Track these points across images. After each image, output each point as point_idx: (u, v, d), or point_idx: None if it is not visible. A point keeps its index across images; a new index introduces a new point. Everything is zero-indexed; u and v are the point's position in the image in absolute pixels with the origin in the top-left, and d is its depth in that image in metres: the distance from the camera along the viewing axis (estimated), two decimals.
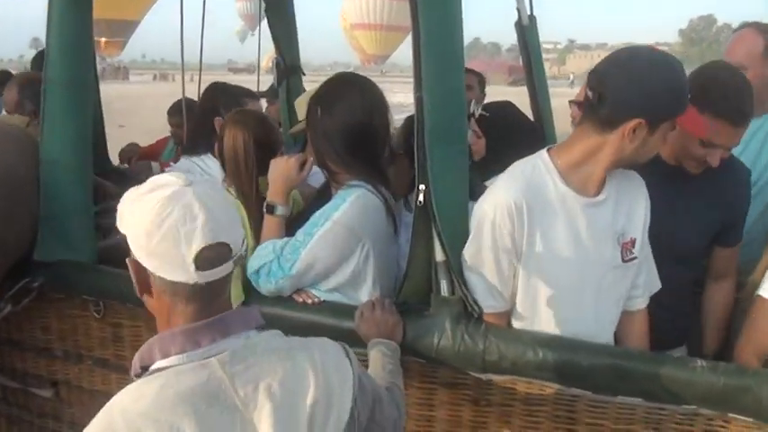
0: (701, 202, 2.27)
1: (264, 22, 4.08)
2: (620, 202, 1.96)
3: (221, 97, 3.13)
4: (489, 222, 1.89)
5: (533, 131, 3.21)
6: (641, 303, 2.12)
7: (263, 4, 4.04)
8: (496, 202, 1.89)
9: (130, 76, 62.30)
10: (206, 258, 1.23)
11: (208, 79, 3.87)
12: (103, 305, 2.45)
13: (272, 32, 4.03)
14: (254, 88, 4.01)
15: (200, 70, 4.12)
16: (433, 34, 1.96)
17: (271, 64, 4.34)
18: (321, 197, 2.35)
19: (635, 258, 1.99)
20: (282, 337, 1.37)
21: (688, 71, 2.21)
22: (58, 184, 2.54)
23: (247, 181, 2.33)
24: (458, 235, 1.97)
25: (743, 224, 2.41)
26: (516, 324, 1.98)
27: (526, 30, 3.23)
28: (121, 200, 1.32)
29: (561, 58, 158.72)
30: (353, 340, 1.82)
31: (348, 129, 2.15)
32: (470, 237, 1.95)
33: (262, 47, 4.65)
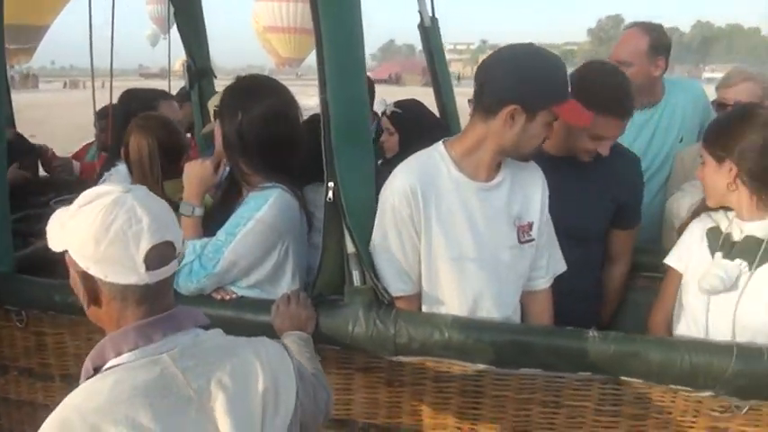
0: (595, 189, 2.46)
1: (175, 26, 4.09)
2: (515, 188, 2.11)
3: (134, 102, 3.18)
4: (389, 208, 2.04)
5: (441, 128, 3.36)
6: (544, 284, 2.28)
7: (172, 8, 4.05)
8: (394, 189, 2.04)
9: (40, 84, 60.03)
10: (154, 258, 1.30)
11: (120, 86, 3.87)
12: (26, 314, 2.45)
13: (181, 36, 4.03)
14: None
15: (111, 76, 4.09)
16: (334, 39, 2.06)
17: (182, 67, 4.35)
18: (227, 198, 2.42)
19: (532, 240, 2.15)
20: (225, 336, 1.45)
21: None
22: None
23: (153, 185, 2.38)
24: (366, 228, 2.09)
25: (638, 207, 2.62)
26: (426, 305, 2.11)
27: (429, 31, 3.37)
28: (51, 220, 1.37)
29: (474, 58, 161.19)
30: (271, 334, 1.90)
31: (262, 132, 2.24)
32: (375, 224, 2.09)
33: (174, 51, 4.64)
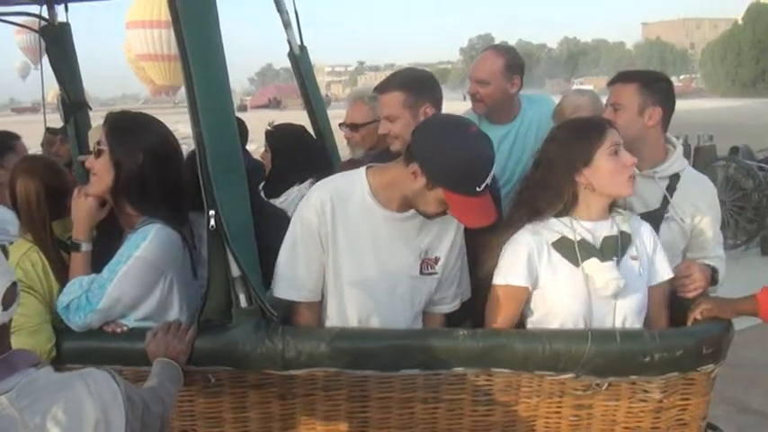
0: None
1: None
2: (429, 223, 2.25)
3: None
4: (300, 219, 2.23)
5: (317, 148, 3.51)
6: (446, 309, 2.45)
7: (44, 43, 4.02)
8: (308, 202, 2.25)
9: None
10: (8, 297, 1.38)
11: None
12: None
13: (53, 69, 4.01)
14: (41, 127, 3.99)
15: None
16: (202, 75, 2.17)
17: (56, 100, 4.29)
18: (104, 233, 2.45)
19: (434, 274, 2.33)
20: (56, 372, 1.52)
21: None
22: None
23: (41, 227, 2.39)
24: (248, 250, 2.22)
25: (499, 208, 2.77)
26: (326, 314, 2.29)
27: (299, 59, 3.54)
28: None
29: (353, 79, 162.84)
30: None
31: (164, 172, 2.33)
32: (286, 234, 2.26)
33: (47, 82, 4.56)
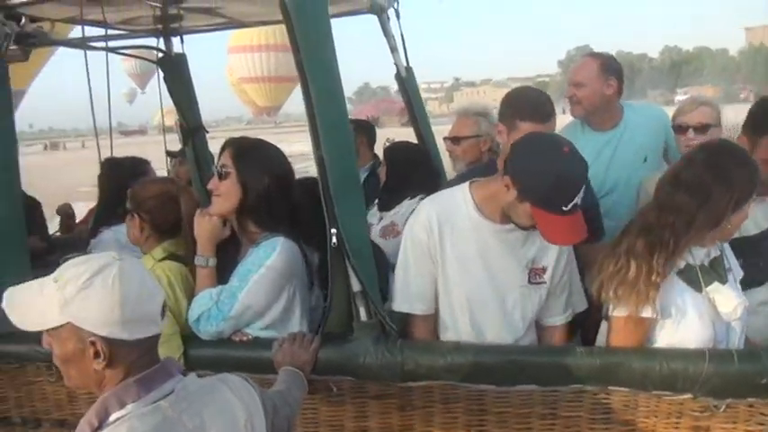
0: None
1: (154, 80, 4.29)
2: (534, 234, 2.30)
3: (120, 170, 3.51)
4: (410, 236, 2.36)
5: (428, 165, 3.61)
6: (558, 321, 2.51)
7: (161, 72, 4.27)
8: (416, 219, 2.38)
9: (20, 148, 59.93)
10: (163, 309, 1.52)
11: (103, 144, 4.05)
12: (56, 369, 2.63)
13: (171, 97, 4.23)
14: (146, 149, 4.22)
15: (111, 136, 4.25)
16: (322, 100, 2.30)
17: (175, 125, 4.55)
18: (226, 249, 2.58)
19: (543, 283, 2.39)
20: (200, 377, 1.63)
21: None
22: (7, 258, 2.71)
23: (193, 241, 2.57)
24: (368, 266, 2.33)
25: (597, 220, 2.82)
26: (441, 328, 2.39)
27: (405, 81, 3.67)
28: (32, 300, 1.48)
29: (448, 96, 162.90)
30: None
31: (286, 193, 2.48)
32: (400, 251, 2.39)
33: (151, 105, 4.78)
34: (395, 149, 3.49)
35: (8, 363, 2.73)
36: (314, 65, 2.30)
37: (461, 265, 2.32)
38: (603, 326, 2.30)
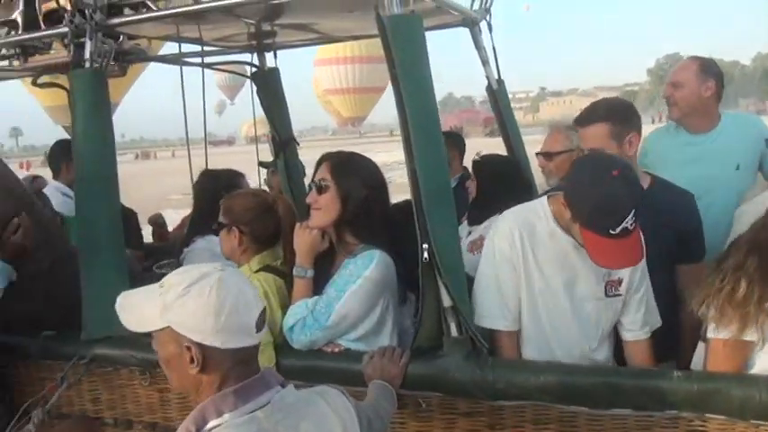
0: (649, 221, 2.44)
1: (242, 92, 4.38)
2: None
3: (216, 182, 3.58)
4: (492, 250, 2.38)
5: (520, 178, 3.56)
6: (639, 336, 2.48)
7: (254, 87, 4.37)
8: (498, 232, 2.40)
9: None
10: (259, 321, 1.55)
11: (192, 153, 4.16)
12: (149, 373, 2.72)
13: (264, 110, 4.34)
14: (234, 159, 4.33)
15: (207, 147, 4.38)
16: (416, 114, 2.32)
17: (248, 133, 4.65)
18: (321, 261, 2.62)
19: (619, 295, 2.39)
20: (297, 389, 1.66)
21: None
22: (97, 268, 2.84)
23: (291, 252, 2.63)
24: (459, 282, 2.31)
25: (699, 239, 2.75)
26: (524, 339, 2.39)
27: (497, 93, 3.65)
28: (137, 304, 1.56)
29: (534, 105, 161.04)
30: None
31: (383, 205, 2.54)
32: (480, 264, 2.40)
33: (239, 116, 4.90)
34: (485, 163, 3.46)
35: (103, 366, 2.83)
36: (409, 80, 2.33)
37: (543, 276, 2.34)
38: (701, 347, 2.22)
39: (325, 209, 2.49)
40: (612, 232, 2.11)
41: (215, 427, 1.48)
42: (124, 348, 2.78)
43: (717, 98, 3.36)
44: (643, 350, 2.50)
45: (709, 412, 2.05)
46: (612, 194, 2.12)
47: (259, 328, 1.55)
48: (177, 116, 4.18)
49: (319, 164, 2.57)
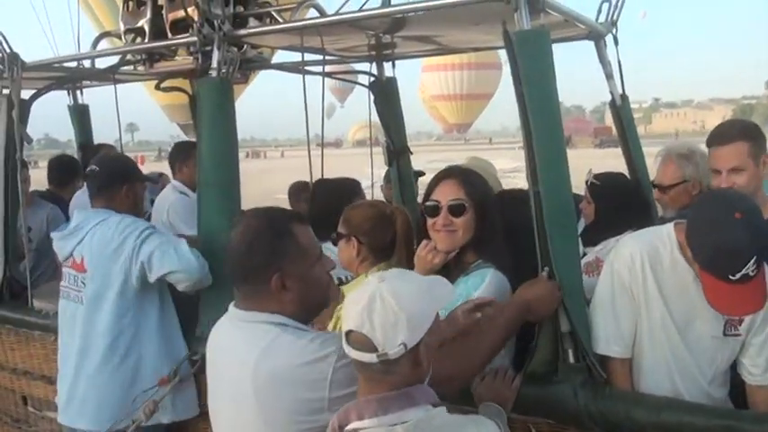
0: None
1: (352, 95, 4.40)
2: None
3: (331, 191, 3.61)
4: (612, 273, 2.29)
5: (641, 203, 3.44)
6: (760, 381, 2.31)
7: (372, 96, 4.40)
8: (619, 256, 2.30)
9: None
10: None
11: (299, 155, 4.18)
12: None
13: (380, 119, 4.38)
14: (342, 162, 4.38)
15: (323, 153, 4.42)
16: (542, 134, 2.28)
17: (357, 136, 4.69)
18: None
19: (738, 335, 2.26)
20: (449, 413, 1.66)
21: None
22: (217, 272, 2.91)
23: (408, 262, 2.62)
24: (579, 307, 2.26)
25: None
26: (642, 372, 2.30)
27: (620, 108, 3.53)
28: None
29: (647, 116, 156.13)
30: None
31: (496, 223, 2.47)
32: (597, 287, 2.32)
33: (349, 119, 4.92)
34: (602, 182, 3.34)
35: None
36: (535, 96, 2.30)
37: (662, 307, 2.23)
38: None
39: (462, 231, 2.42)
40: (732, 278, 2.01)
41: (355, 429, 1.58)
42: None
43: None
44: (762, 395, 2.32)
45: None
46: (734, 239, 2.00)
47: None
48: (285, 118, 4.27)
49: (441, 179, 2.50)
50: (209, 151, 2.96)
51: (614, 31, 3.43)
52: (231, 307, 2.05)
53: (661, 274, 2.23)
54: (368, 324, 1.56)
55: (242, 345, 1.95)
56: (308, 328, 2.02)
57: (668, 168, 3.24)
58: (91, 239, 2.99)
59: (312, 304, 2.01)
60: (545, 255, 2.23)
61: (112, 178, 3.17)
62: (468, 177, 2.51)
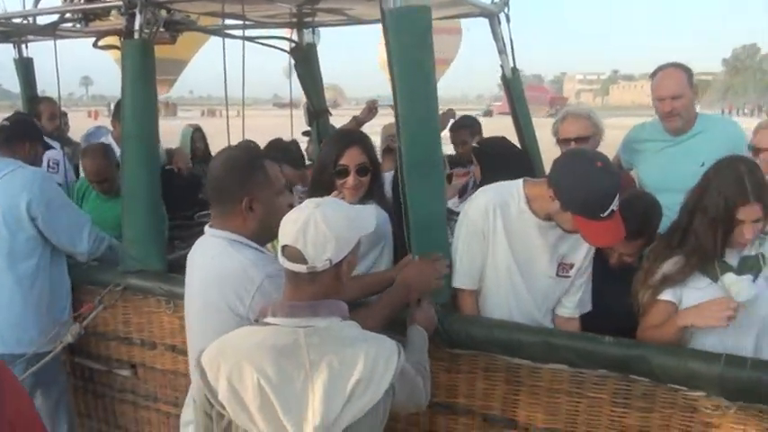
0: None
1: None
2: (568, 234, 2.64)
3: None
4: (469, 219, 2.70)
5: (521, 163, 3.85)
6: (573, 314, 2.84)
7: (293, 61, 4.74)
8: (474, 205, 2.71)
9: (178, 112, 63.48)
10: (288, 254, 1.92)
11: (254, 114, 4.50)
12: (173, 303, 3.18)
13: (301, 83, 4.72)
14: (297, 122, 4.76)
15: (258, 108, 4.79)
16: (408, 98, 2.66)
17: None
18: None
19: (568, 277, 2.74)
20: (353, 328, 1.95)
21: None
22: (137, 215, 3.32)
23: None
24: (438, 239, 2.70)
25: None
26: (487, 302, 2.74)
27: (510, 82, 3.95)
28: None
29: (604, 88, 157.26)
30: None
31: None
32: (456, 232, 2.74)
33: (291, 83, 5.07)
34: (482, 146, 3.74)
35: (135, 294, 3.31)
36: (406, 68, 2.66)
37: (507, 249, 2.65)
38: None
39: (365, 187, 2.94)
40: (603, 215, 2.41)
41: (268, 323, 1.91)
42: (154, 281, 3.24)
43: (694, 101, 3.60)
44: (573, 327, 2.82)
45: (634, 374, 2.39)
46: (599, 184, 2.41)
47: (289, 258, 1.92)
48: (247, 77, 4.43)
49: (347, 146, 2.95)
50: (131, 106, 3.29)
51: (506, 10, 3.82)
52: (206, 227, 2.44)
53: (508, 222, 2.64)
54: (302, 241, 1.87)
55: (203, 251, 2.39)
56: (264, 249, 2.41)
57: (584, 123, 3.55)
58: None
59: (270, 228, 2.27)
60: (404, 196, 2.65)
61: (19, 135, 3.61)
62: (368, 144, 3.00)
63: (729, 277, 2.48)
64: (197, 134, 5.68)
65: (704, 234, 2.49)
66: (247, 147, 2.50)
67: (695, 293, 2.52)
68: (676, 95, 3.51)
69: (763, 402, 2.23)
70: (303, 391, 1.80)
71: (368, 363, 1.85)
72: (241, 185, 2.33)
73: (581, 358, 2.44)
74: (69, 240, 3.39)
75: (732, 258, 2.52)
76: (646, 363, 2.35)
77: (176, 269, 3.22)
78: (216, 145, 5.40)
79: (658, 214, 2.96)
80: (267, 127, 4.26)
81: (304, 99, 5.32)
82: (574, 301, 2.81)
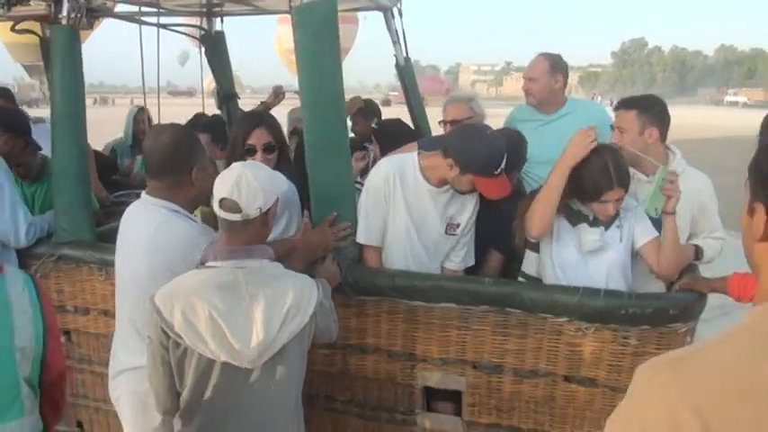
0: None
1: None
2: (456, 196, 3.13)
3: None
4: (372, 185, 3.11)
5: (415, 138, 4.30)
6: (458, 267, 3.31)
7: (202, 47, 5.03)
8: (377, 173, 3.13)
9: None
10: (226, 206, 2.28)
11: (151, 102, 4.72)
12: (105, 271, 3.47)
13: (211, 68, 5.00)
14: (194, 111, 4.98)
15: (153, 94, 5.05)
16: (311, 88, 3.04)
17: (212, 87, 5.32)
18: None
19: (454, 235, 3.20)
20: (280, 267, 2.37)
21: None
22: (67, 189, 3.58)
23: None
24: (348, 217, 3.09)
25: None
26: (386, 255, 3.17)
27: (403, 70, 4.39)
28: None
29: (498, 79, 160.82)
30: None
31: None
32: (362, 195, 3.14)
33: (207, 69, 5.28)
34: (380, 127, 4.20)
35: (67, 263, 3.58)
36: (309, 59, 3.03)
37: (404, 211, 3.09)
38: None
39: (272, 165, 3.19)
40: (496, 173, 2.91)
41: (211, 266, 2.28)
42: (86, 250, 3.52)
43: (563, 87, 4.17)
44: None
45: (510, 308, 2.87)
46: (493, 148, 2.91)
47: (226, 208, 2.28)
48: (138, 65, 4.48)
49: (254, 127, 3.29)
50: (60, 88, 3.53)
51: (399, 5, 4.26)
52: (143, 194, 2.73)
53: (406, 188, 3.08)
54: (236, 193, 2.22)
55: (143, 219, 2.68)
56: (193, 216, 2.78)
57: (460, 107, 3.98)
58: None
59: (205, 193, 2.62)
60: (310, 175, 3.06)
61: None
62: (273, 124, 3.37)
63: (582, 227, 2.99)
64: (140, 115, 5.79)
65: (569, 194, 2.96)
66: (181, 125, 2.85)
67: (556, 228, 3.02)
68: (532, 78, 4.14)
69: (615, 324, 2.74)
70: (246, 318, 2.21)
71: (296, 293, 2.28)
72: (190, 155, 2.67)
73: (467, 298, 2.91)
74: (4, 234, 3.54)
75: (590, 211, 2.99)
76: (519, 297, 2.83)
77: (105, 240, 3.53)
78: (113, 132, 5.56)
79: (525, 146, 3.50)
80: (173, 115, 4.40)
81: (207, 86, 5.53)
82: (460, 256, 3.29)
